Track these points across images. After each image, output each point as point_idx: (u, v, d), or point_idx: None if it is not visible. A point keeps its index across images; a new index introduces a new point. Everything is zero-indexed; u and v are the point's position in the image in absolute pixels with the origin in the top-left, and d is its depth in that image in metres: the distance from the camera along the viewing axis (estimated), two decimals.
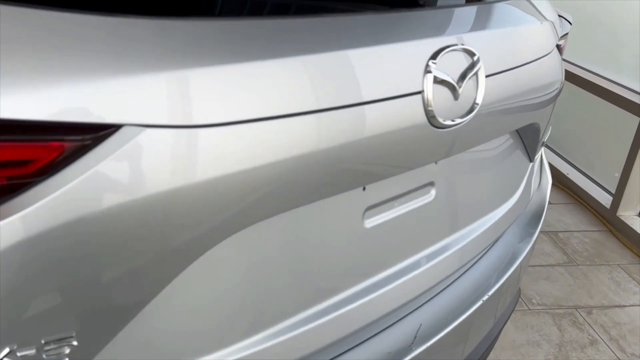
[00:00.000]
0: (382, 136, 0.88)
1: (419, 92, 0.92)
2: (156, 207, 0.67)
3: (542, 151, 1.72)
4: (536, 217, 1.66)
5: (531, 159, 1.52)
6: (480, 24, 1.14)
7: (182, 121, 0.67)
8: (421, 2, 1.11)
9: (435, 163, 1.12)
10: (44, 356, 0.68)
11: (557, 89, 1.38)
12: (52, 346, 0.68)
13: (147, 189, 0.66)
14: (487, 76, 1.03)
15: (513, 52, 1.15)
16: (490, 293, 1.36)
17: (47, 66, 0.60)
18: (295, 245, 0.95)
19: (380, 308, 1.10)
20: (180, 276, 0.77)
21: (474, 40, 1.03)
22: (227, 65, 0.73)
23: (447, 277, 1.26)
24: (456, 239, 1.27)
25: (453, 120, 0.99)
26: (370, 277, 1.10)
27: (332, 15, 0.92)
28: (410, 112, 0.91)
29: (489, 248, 1.50)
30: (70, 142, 0.61)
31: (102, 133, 0.63)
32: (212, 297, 0.85)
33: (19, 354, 0.66)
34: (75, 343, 0.70)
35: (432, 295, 1.30)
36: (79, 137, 0.62)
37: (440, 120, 0.96)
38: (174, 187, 0.68)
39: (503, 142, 1.36)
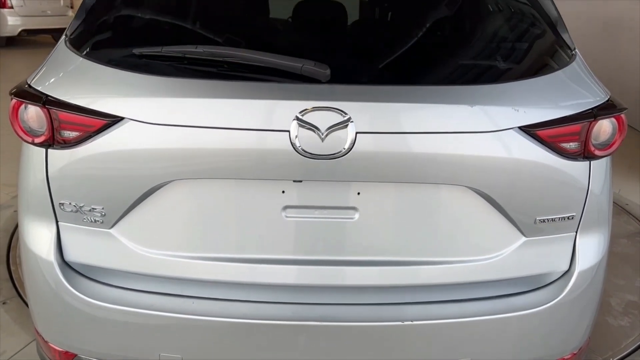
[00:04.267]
0: (259, 150, 1.57)
1: (287, 130, 1.53)
2: (134, 154, 1.60)
3: (576, 236, 1.77)
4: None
5: (523, 233, 1.72)
6: (372, 97, 1.59)
7: (155, 120, 1.56)
8: (323, 80, 1.58)
9: (358, 193, 1.64)
10: (87, 214, 1.70)
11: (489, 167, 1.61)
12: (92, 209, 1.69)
13: (133, 146, 1.59)
14: (359, 132, 1.53)
15: (400, 122, 1.57)
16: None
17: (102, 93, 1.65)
18: (227, 206, 1.67)
19: (277, 277, 1.70)
20: (153, 195, 1.64)
21: (356, 107, 1.53)
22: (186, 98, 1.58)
23: (355, 288, 1.72)
24: (371, 260, 1.71)
25: (320, 154, 1.52)
26: (278, 254, 1.69)
27: (247, 80, 1.61)
28: (280, 140, 1.53)
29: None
30: (105, 119, 1.59)
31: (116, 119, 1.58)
32: (171, 215, 1.68)
33: (83, 208, 1.69)
34: (104, 212, 1.68)
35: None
36: (108, 119, 1.59)
37: (304, 150, 1.52)
38: (145, 147, 1.58)
39: (461, 201, 1.66)
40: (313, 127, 1.52)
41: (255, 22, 2.02)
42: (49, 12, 12.57)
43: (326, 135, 1.52)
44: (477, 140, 1.58)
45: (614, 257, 3.68)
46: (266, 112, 1.55)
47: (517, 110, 1.59)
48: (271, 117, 1.54)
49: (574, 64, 1.80)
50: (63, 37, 1.84)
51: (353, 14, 2.35)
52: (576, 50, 1.86)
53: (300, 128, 1.52)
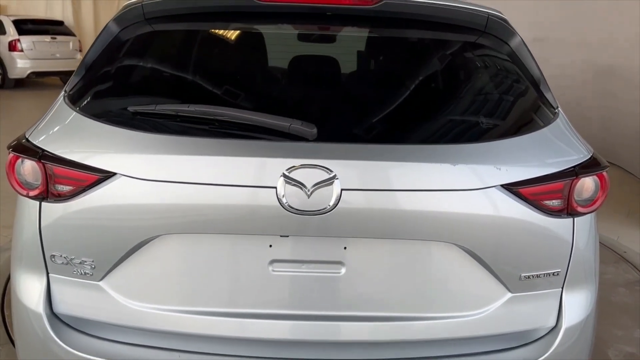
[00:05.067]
0: (247, 206, 1.61)
1: (274, 187, 1.57)
2: (125, 208, 1.64)
3: (562, 292, 1.78)
4: None
5: (509, 289, 1.73)
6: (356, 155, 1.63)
7: (145, 176, 1.61)
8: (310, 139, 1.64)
9: (345, 248, 1.67)
10: (77, 266, 1.72)
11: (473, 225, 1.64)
12: (82, 261, 1.71)
13: (124, 200, 1.63)
14: (345, 189, 1.57)
15: (384, 179, 1.61)
16: None
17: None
18: (215, 260, 1.69)
19: (264, 332, 1.71)
20: (143, 248, 1.67)
21: (341, 165, 1.58)
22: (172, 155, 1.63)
23: (341, 343, 1.72)
24: (357, 315, 1.73)
25: (306, 210, 1.56)
26: (265, 308, 1.71)
27: (236, 137, 1.66)
28: (268, 196, 1.57)
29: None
30: (98, 175, 1.63)
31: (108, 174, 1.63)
32: (160, 268, 1.71)
33: (74, 260, 1.71)
34: (94, 265, 1.70)
35: None
36: (101, 175, 1.63)
37: (291, 206, 1.56)
38: (135, 202, 1.63)
39: (446, 257, 1.68)
40: (299, 184, 1.56)
41: (251, 76, 2.08)
42: (58, 55, 12.87)
43: (312, 192, 1.56)
44: (459, 198, 1.61)
45: (612, 307, 3.67)
46: (254, 169, 1.59)
47: (499, 169, 1.63)
48: (259, 174, 1.58)
49: (557, 122, 1.85)
50: (62, 92, 1.90)
51: (349, 68, 2.42)
52: (559, 109, 1.91)
53: (287, 185, 1.56)
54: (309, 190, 1.55)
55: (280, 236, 1.64)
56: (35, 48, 12.50)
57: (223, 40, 2.14)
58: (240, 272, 1.70)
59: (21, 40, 12.25)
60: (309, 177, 1.56)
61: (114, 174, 1.61)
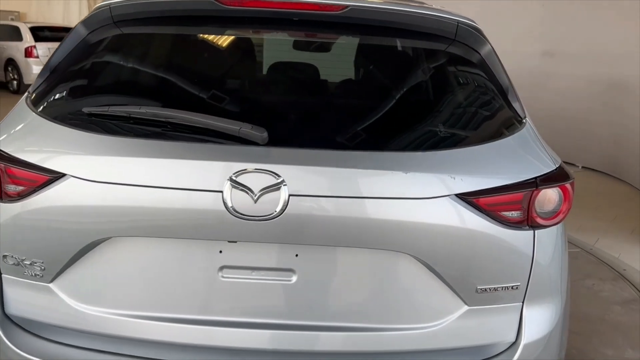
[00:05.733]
0: (193, 210, 1.58)
1: (220, 191, 1.53)
2: (74, 209, 1.62)
3: (523, 307, 1.72)
4: None
5: (465, 302, 1.68)
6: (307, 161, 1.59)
7: (94, 178, 1.59)
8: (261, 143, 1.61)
9: (296, 255, 1.63)
10: (27, 267, 1.70)
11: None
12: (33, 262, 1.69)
13: (73, 202, 1.61)
14: (292, 195, 1.53)
15: (333, 186, 1.57)
16: None
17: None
18: (164, 265, 1.66)
19: (212, 339, 1.67)
20: (93, 251, 1.65)
21: (290, 170, 1.54)
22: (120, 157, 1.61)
23: (290, 353, 1.67)
24: (307, 325, 1.68)
25: (252, 215, 1.53)
26: (214, 315, 1.67)
27: (188, 140, 1.63)
28: (214, 201, 1.54)
29: None
30: (48, 175, 1.62)
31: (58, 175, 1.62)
32: (110, 272, 1.69)
33: (24, 261, 1.69)
34: (43, 266, 1.68)
35: None
36: (51, 175, 1.62)
37: (236, 211, 1.53)
38: (84, 204, 1.61)
39: (400, 267, 1.64)
40: (246, 189, 1.53)
41: (210, 80, 2.05)
42: None
43: (259, 197, 1.52)
44: (411, 206, 1.57)
45: (604, 325, 3.57)
46: (201, 172, 1.57)
47: (454, 178, 1.59)
48: (206, 177, 1.56)
49: (522, 132, 1.80)
50: (26, 94, 1.90)
51: (317, 75, 2.39)
52: (527, 119, 1.87)
53: (233, 189, 1.53)
54: (255, 195, 1.52)
55: (229, 242, 1.61)
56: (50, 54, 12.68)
57: (187, 43, 2.14)
58: (190, 278, 1.67)
59: (37, 46, 12.45)
60: (257, 181, 1.53)
61: (64, 174, 1.60)
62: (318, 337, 1.67)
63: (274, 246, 1.62)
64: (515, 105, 1.87)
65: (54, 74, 1.89)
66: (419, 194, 1.57)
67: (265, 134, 1.58)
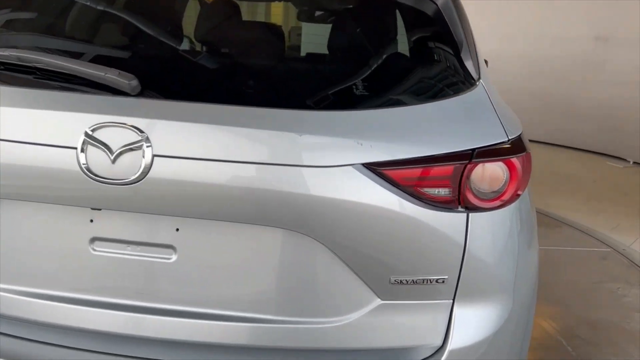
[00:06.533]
0: (45, 169, 1.34)
1: (74, 148, 1.30)
2: None
3: (453, 305, 1.46)
4: None
5: (377, 295, 1.42)
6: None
7: None
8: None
9: (177, 230, 1.39)
10: None
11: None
12: None
13: None
14: (157, 155, 1.29)
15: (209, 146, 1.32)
16: None
17: None
18: (30, 234, 1.45)
19: (81, 321, 1.45)
20: None
21: (158, 125, 1.30)
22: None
23: (165, 342, 1.45)
24: (187, 311, 1.44)
25: (110, 178, 1.30)
26: (84, 293, 1.46)
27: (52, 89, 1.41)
28: (67, 159, 1.31)
29: None
30: None
31: None
32: None
33: None
34: None
35: None
36: None
37: (91, 172, 1.29)
38: None
39: (298, 249, 1.38)
40: (103, 146, 1.30)
41: (96, 28, 1.84)
42: None
43: (116, 157, 1.30)
44: (303, 176, 1.30)
45: (621, 335, 3.16)
46: (56, 124, 1.35)
47: (361, 144, 1.31)
48: (61, 131, 1.34)
49: (468, 94, 1.49)
50: None
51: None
52: (480, 81, 1.55)
53: (89, 146, 1.31)
54: (113, 154, 1.30)
55: (92, 209, 1.40)
56: None
57: None
58: (60, 250, 1.46)
59: None
60: (117, 138, 1.30)
61: None
62: (198, 327, 1.43)
63: (149, 218, 1.39)
64: (468, 64, 1.56)
65: None
66: (314, 162, 1.29)
67: (134, 82, 1.34)
